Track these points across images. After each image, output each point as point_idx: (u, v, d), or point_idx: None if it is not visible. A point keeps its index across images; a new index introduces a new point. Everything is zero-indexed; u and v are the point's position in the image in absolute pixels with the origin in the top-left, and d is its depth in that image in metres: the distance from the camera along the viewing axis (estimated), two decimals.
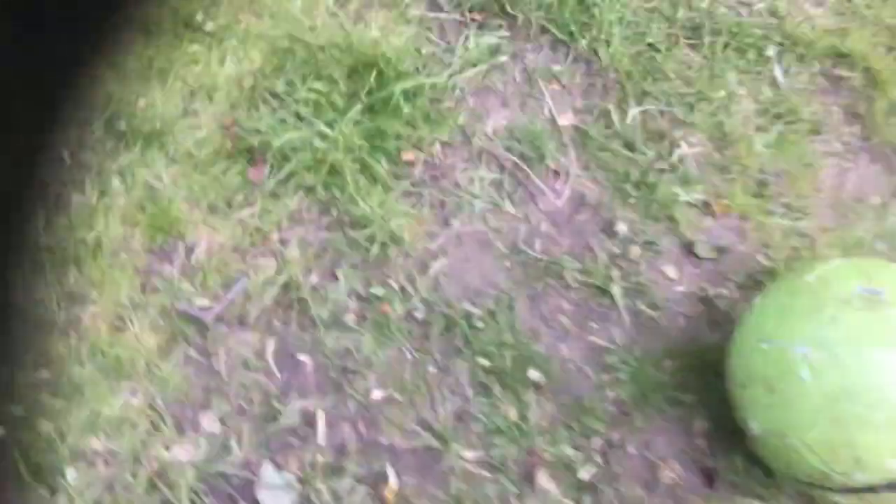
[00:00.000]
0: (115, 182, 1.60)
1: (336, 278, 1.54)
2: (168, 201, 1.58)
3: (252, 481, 1.39)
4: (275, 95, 1.66)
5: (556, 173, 1.63)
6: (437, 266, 1.54)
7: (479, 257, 1.56)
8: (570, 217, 1.59)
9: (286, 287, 1.53)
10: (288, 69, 1.69)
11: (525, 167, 1.63)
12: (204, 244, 1.57)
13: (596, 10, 1.75)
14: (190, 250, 1.56)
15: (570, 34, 1.73)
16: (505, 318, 1.50)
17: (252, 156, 1.63)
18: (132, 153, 1.62)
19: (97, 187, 1.59)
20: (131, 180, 1.60)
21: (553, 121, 1.68)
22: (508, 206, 1.60)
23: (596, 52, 1.72)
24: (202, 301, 1.52)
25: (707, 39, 1.74)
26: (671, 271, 1.55)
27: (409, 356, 1.48)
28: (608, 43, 1.72)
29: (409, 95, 1.66)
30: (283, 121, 1.63)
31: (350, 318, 1.51)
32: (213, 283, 1.54)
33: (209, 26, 1.73)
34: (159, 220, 1.57)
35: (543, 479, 1.40)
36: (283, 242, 1.57)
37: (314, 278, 1.54)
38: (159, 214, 1.57)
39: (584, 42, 1.73)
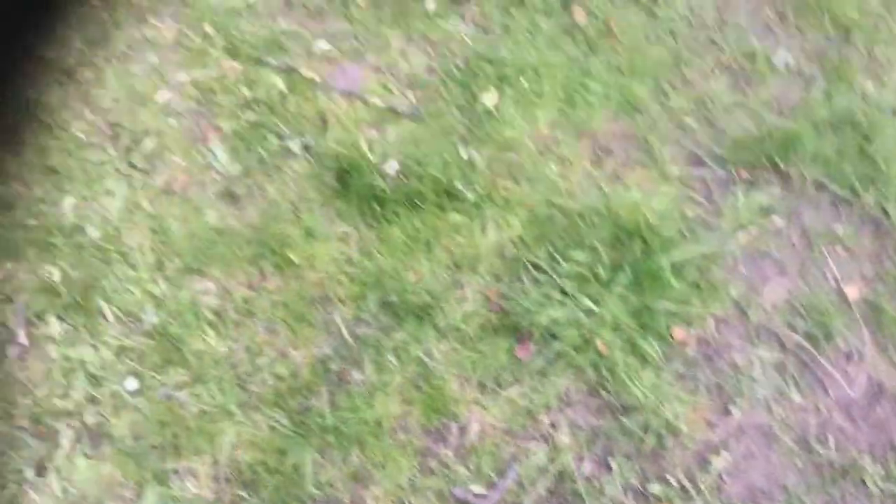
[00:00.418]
0: (391, 359, 1.68)
1: (610, 469, 1.52)
2: (441, 379, 1.64)
3: None
4: (537, 268, 1.67)
5: (848, 356, 1.50)
6: (718, 462, 1.47)
7: (765, 453, 1.47)
8: (868, 409, 1.46)
9: (559, 476, 1.53)
10: (548, 237, 1.70)
11: (811, 347, 1.51)
12: (476, 425, 1.61)
13: (881, 161, 1.60)
14: (463, 431, 1.61)
15: (853, 190, 1.59)
16: None
17: (518, 332, 1.64)
18: (405, 329, 1.70)
19: (375, 365, 1.68)
20: (406, 357, 1.67)
21: (840, 291, 1.54)
22: (794, 394, 1.49)
23: (884, 210, 1.57)
24: (477, 487, 1.56)
25: None
26: None
27: None
28: None
29: (678, 267, 1.60)
30: (547, 296, 1.64)
31: None
32: (486, 467, 1.57)
33: (469, 195, 1.78)
34: (434, 399, 1.63)
35: None
36: (554, 426, 1.57)
37: (587, 467, 1.53)
38: (434, 393, 1.63)
39: (869, 198, 1.58)
